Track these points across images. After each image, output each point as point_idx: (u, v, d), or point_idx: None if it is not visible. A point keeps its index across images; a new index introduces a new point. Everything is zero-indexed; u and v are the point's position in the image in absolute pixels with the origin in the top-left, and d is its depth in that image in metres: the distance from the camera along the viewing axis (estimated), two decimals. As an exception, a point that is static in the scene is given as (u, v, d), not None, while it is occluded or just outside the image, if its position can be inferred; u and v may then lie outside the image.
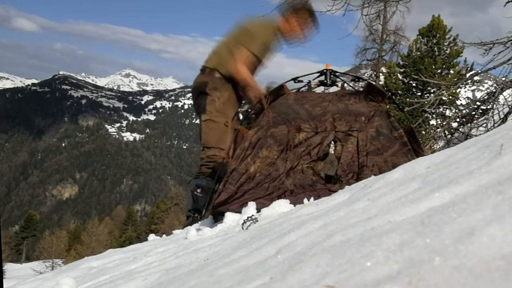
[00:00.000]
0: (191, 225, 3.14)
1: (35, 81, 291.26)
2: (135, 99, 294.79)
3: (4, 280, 2.71)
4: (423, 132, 6.53)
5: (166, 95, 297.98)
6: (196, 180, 3.32)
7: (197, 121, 3.74)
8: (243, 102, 3.74)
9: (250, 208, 2.23)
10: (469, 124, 4.19)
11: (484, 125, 3.87)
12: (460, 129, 4.39)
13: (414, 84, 16.34)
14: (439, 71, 15.45)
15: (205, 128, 3.45)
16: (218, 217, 2.52)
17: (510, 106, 3.74)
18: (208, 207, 3.10)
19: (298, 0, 3.63)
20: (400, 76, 16.64)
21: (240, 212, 2.31)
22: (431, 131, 5.55)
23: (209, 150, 3.42)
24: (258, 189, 2.46)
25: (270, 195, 2.44)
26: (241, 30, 3.52)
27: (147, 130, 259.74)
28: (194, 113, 3.75)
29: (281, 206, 2.09)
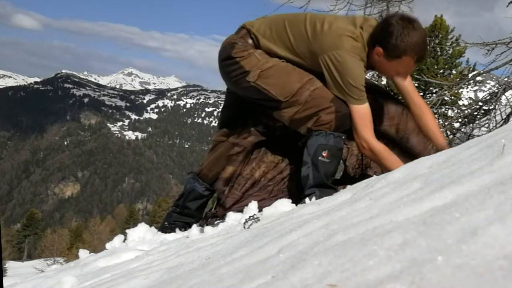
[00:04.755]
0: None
1: (38, 80, 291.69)
2: (137, 98, 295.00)
3: (5, 278, 2.70)
4: (425, 132, 6.51)
5: (168, 94, 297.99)
6: (316, 139, 2.26)
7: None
8: None
9: (252, 207, 2.23)
10: (471, 124, 4.19)
11: (486, 125, 3.86)
12: (462, 129, 4.39)
13: (416, 84, 16.32)
14: (441, 71, 15.41)
15: (266, 83, 2.31)
16: (219, 217, 2.51)
17: (512, 107, 3.74)
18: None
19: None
20: (402, 76, 16.60)
21: (242, 211, 2.32)
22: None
23: (299, 95, 2.26)
24: (262, 192, 2.46)
25: (274, 197, 2.44)
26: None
27: (149, 129, 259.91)
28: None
29: (283, 205, 2.09)
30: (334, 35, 2.24)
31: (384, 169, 2.21)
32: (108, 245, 2.63)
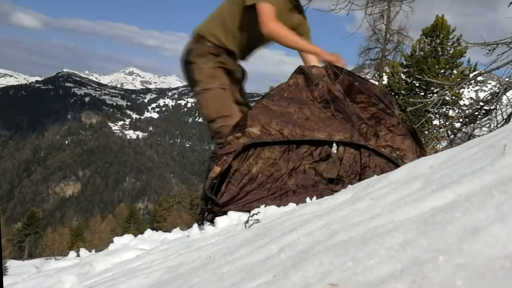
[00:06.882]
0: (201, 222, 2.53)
1: (39, 79, 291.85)
2: (138, 97, 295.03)
3: (5, 277, 2.71)
4: (426, 132, 6.52)
5: (169, 93, 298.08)
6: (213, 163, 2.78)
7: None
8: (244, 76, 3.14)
9: (253, 207, 2.23)
10: (472, 125, 4.19)
11: (487, 125, 3.86)
12: (463, 129, 4.39)
13: (417, 84, 16.32)
14: (442, 71, 15.42)
15: (202, 101, 2.93)
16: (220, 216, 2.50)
17: (513, 107, 3.73)
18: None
19: None
20: (403, 76, 16.62)
21: (242, 211, 2.32)
22: (434, 131, 5.54)
23: (214, 124, 2.88)
24: (261, 190, 2.45)
25: (272, 195, 2.44)
26: None
27: (150, 128, 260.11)
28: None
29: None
30: None
31: (285, 45, 2.74)
32: (111, 246, 2.63)
